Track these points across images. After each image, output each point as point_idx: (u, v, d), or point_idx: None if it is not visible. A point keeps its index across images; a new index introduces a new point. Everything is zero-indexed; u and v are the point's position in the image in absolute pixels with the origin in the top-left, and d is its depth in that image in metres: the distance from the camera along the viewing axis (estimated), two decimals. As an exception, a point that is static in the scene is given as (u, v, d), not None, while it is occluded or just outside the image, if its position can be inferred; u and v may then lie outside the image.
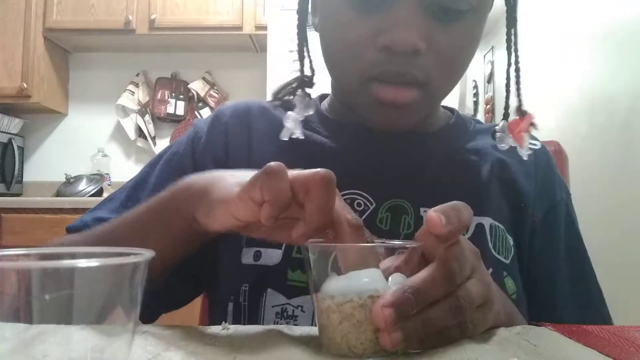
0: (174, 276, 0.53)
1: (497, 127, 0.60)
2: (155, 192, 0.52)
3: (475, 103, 2.83)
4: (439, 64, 0.52)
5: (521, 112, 0.59)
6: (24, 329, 0.25)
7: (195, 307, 0.73)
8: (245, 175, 0.41)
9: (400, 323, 0.32)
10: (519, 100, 0.60)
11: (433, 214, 0.34)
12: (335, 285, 0.34)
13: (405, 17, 0.49)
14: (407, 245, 0.36)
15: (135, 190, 0.63)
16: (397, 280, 0.35)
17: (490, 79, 2.65)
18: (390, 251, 0.36)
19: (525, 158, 0.59)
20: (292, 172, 0.38)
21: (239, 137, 0.63)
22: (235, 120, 0.64)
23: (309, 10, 0.62)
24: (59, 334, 0.25)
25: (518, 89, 0.60)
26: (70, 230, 0.60)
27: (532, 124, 0.59)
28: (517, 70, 0.60)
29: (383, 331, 0.32)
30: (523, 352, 0.35)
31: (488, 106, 2.63)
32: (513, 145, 0.59)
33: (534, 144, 0.61)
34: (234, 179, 0.42)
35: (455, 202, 0.37)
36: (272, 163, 0.37)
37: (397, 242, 0.37)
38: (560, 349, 0.36)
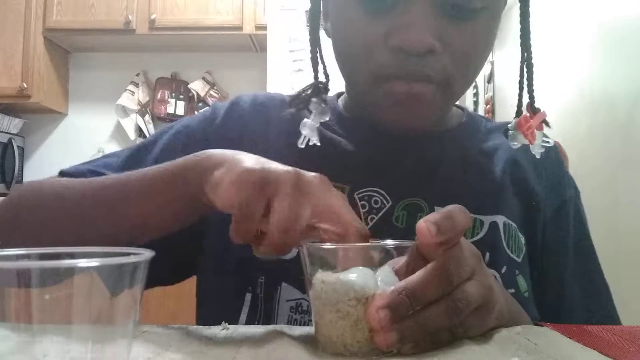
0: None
1: (509, 125, 0.59)
2: (160, 158, 0.49)
3: (475, 103, 2.83)
4: (454, 63, 0.51)
5: (533, 109, 0.58)
6: (24, 329, 0.25)
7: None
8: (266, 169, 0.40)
9: (395, 324, 0.32)
10: (531, 97, 0.58)
11: (422, 225, 0.33)
12: (326, 278, 0.34)
13: (418, 16, 0.48)
14: (404, 245, 0.36)
15: (139, 152, 0.62)
16: (385, 277, 0.34)
17: (490, 79, 2.65)
18: (397, 251, 0.36)
19: (538, 157, 0.58)
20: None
21: (256, 127, 0.62)
22: (253, 110, 0.64)
23: (321, 15, 0.61)
24: (59, 334, 0.25)
25: (530, 85, 0.58)
26: (63, 174, 0.59)
27: (545, 122, 0.58)
28: (530, 66, 0.58)
29: (378, 332, 0.32)
30: (524, 351, 0.35)
31: (488, 106, 2.63)
32: (525, 143, 0.57)
33: (547, 142, 0.59)
34: (254, 164, 0.40)
35: (451, 207, 0.35)
36: (282, 222, 0.37)
37: (390, 242, 0.37)
38: (561, 348, 0.36)
